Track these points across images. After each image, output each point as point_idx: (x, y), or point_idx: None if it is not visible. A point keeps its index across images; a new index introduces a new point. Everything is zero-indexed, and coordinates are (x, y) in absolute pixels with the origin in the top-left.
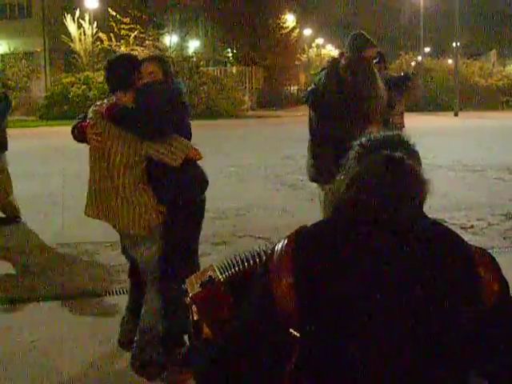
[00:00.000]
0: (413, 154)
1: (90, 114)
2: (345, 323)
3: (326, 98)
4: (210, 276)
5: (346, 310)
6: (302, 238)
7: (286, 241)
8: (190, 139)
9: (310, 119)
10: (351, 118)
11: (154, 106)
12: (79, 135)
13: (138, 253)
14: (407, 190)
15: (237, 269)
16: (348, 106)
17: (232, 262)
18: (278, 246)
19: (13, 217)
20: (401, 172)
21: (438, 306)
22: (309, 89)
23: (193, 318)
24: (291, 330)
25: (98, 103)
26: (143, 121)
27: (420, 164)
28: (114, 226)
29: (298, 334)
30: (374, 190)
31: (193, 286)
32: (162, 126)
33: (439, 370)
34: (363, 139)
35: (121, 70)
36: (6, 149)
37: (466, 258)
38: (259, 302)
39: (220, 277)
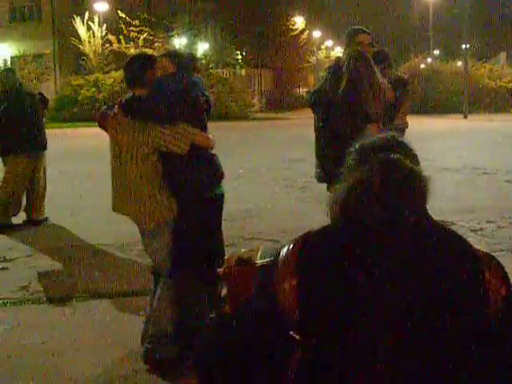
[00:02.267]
0: (409, 154)
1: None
2: (346, 330)
3: (327, 95)
4: (249, 257)
5: (347, 316)
6: (306, 243)
7: (291, 245)
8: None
9: (315, 120)
10: (351, 117)
11: (160, 92)
12: (102, 123)
13: (150, 247)
14: (407, 190)
15: (272, 258)
16: (348, 103)
17: (273, 251)
18: (284, 250)
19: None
20: (399, 173)
21: (444, 310)
22: (311, 90)
23: (220, 293)
24: (291, 333)
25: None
26: (149, 105)
27: (418, 163)
28: (134, 220)
29: (297, 337)
30: (374, 194)
31: (231, 261)
32: (167, 111)
33: (444, 373)
34: (358, 145)
35: (135, 68)
36: (45, 148)
37: (473, 261)
38: (262, 302)
39: (259, 261)
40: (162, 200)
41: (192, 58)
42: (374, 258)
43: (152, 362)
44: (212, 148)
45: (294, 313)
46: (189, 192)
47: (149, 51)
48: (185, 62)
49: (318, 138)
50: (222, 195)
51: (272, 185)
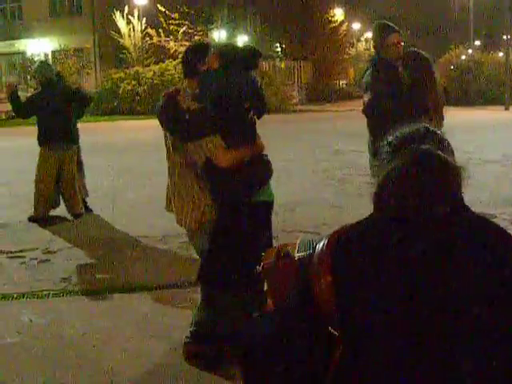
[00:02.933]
0: (442, 144)
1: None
2: (384, 325)
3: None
4: (287, 251)
5: (384, 310)
6: (341, 238)
7: (326, 241)
8: (250, 131)
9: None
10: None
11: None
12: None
13: (193, 246)
14: (440, 180)
15: (310, 251)
16: (415, 102)
17: (310, 244)
18: (319, 246)
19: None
20: (431, 163)
21: (483, 304)
22: (365, 99)
23: (263, 288)
24: (330, 329)
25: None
26: (172, 128)
27: (450, 153)
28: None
29: (336, 333)
30: (408, 185)
31: (270, 256)
32: (193, 130)
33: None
34: (390, 137)
35: (186, 58)
36: (76, 143)
37: (502, 247)
38: (300, 299)
39: (296, 255)
40: (204, 200)
41: (250, 53)
42: (409, 250)
43: (190, 355)
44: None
45: (332, 309)
46: (225, 196)
47: (187, 44)
48: (233, 58)
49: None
50: (264, 203)
51: (312, 177)
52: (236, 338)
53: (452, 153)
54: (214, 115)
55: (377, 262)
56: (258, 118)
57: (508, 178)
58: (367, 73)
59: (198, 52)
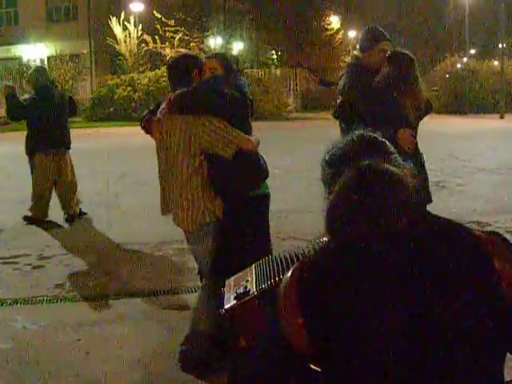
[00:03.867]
0: (381, 151)
1: (163, 105)
2: (363, 353)
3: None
4: (245, 287)
5: (360, 337)
6: (304, 275)
7: (289, 279)
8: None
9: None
10: (385, 119)
11: (215, 92)
12: (147, 128)
13: (194, 249)
14: (387, 195)
15: (269, 282)
16: (381, 104)
17: (266, 270)
18: (283, 285)
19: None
20: (373, 181)
21: (454, 307)
22: (337, 102)
23: (228, 326)
24: (312, 366)
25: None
26: (204, 101)
27: (390, 159)
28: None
29: (319, 369)
30: (356, 210)
31: (230, 292)
32: (221, 111)
33: (464, 370)
34: (327, 156)
35: (181, 68)
36: (69, 148)
37: (477, 251)
38: (275, 341)
39: (254, 290)
40: (206, 203)
41: (235, 60)
42: (375, 272)
43: (185, 361)
44: (253, 152)
45: (308, 349)
46: (233, 192)
47: (183, 51)
48: (232, 64)
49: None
50: (267, 195)
51: (307, 185)
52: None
53: (394, 157)
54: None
55: (350, 293)
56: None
57: (503, 187)
58: (343, 77)
59: (191, 61)
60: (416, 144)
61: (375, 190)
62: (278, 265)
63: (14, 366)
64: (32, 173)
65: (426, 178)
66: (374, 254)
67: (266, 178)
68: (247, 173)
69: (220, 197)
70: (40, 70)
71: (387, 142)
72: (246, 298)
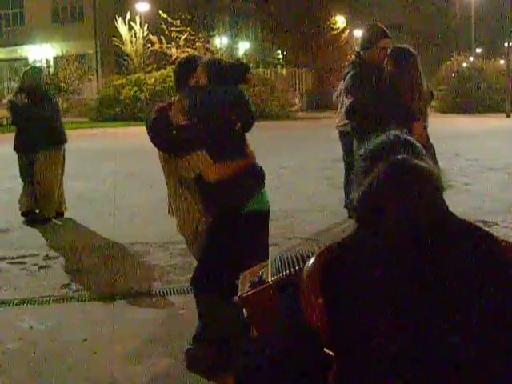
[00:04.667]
0: (416, 151)
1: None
2: (378, 341)
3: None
4: (260, 277)
5: (377, 325)
6: (329, 258)
7: (314, 260)
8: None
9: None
10: (400, 116)
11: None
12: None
13: (192, 252)
14: (419, 190)
15: (286, 272)
16: (390, 101)
17: (283, 263)
18: (308, 265)
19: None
20: (405, 174)
21: (474, 309)
22: (347, 102)
23: (243, 315)
24: (326, 350)
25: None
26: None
27: (424, 158)
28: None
29: (332, 353)
30: (387, 199)
31: (245, 283)
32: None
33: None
34: (362, 151)
35: (180, 72)
36: (65, 141)
37: (498, 257)
38: (291, 323)
39: (270, 279)
40: (198, 208)
41: (238, 68)
42: (400, 265)
43: (192, 361)
44: (215, 178)
45: (325, 330)
46: (215, 207)
47: (189, 51)
48: (220, 72)
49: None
50: (261, 212)
51: (314, 184)
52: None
53: (425, 157)
54: (202, 130)
55: (369, 280)
56: (247, 131)
57: (510, 186)
58: (349, 75)
59: (188, 66)
60: (427, 136)
61: (407, 182)
62: (294, 259)
63: (22, 365)
64: (21, 172)
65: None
66: (396, 247)
67: (252, 197)
68: (232, 190)
69: (206, 211)
70: (34, 69)
71: (420, 145)
72: (262, 287)
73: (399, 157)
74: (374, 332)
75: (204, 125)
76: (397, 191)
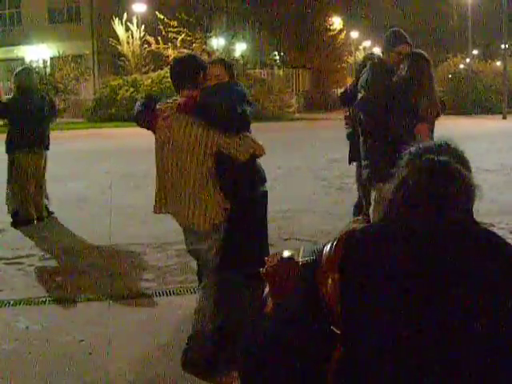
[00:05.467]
0: (461, 159)
1: (158, 107)
2: (385, 330)
3: (375, 94)
4: (291, 255)
5: (387, 318)
6: (351, 239)
7: (335, 241)
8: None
9: (360, 119)
10: (406, 115)
11: (231, 103)
12: (146, 123)
13: (203, 248)
14: (453, 192)
15: (314, 257)
16: (399, 101)
17: (313, 250)
18: (327, 246)
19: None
20: (446, 175)
21: (486, 312)
22: (359, 96)
23: (263, 291)
24: (333, 328)
25: (170, 100)
26: (223, 115)
27: (469, 170)
28: (180, 222)
29: (338, 332)
30: (420, 194)
31: (273, 260)
32: (239, 122)
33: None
34: (412, 148)
35: (188, 69)
36: (47, 149)
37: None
38: (304, 296)
39: (300, 259)
40: (218, 201)
41: (234, 65)
42: (417, 258)
43: (188, 361)
44: (262, 155)
45: (336, 306)
46: (239, 193)
47: (185, 52)
48: (235, 71)
49: (365, 137)
50: (266, 193)
51: (310, 185)
52: (237, 337)
53: (470, 170)
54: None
55: (384, 266)
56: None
57: (507, 187)
58: (365, 73)
59: (198, 64)
60: (433, 139)
61: (445, 180)
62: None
63: (17, 366)
64: (8, 172)
65: None
66: (417, 244)
67: (265, 180)
68: (252, 176)
69: (228, 198)
70: (25, 70)
71: (461, 150)
72: (291, 261)
73: (444, 158)
74: (379, 318)
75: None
76: (432, 188)
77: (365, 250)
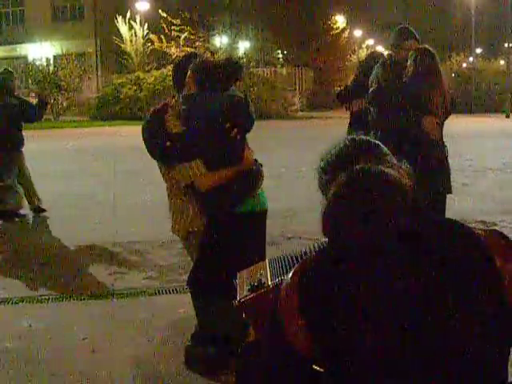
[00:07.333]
0: (376, 154)
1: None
2: (361, 347)
3: (385, 89)
4: (260, 280)
5: (363, 338)
6: (304, 276)
7: (290, 280)
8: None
9: (370, 114)
10: (413, 110)
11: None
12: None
13: (187, 252)
14: (382, 198)
15: (282, 277)
16: (413, 95)
17: (281, 264)
18: (284, 285)
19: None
20: (366, 185)
21: (455, 307)
22: (371, 89)
23: (242, 319)
24: (314, 366)
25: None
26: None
27: (386, 160)
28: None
29: (321, 370)
30: (351, 214)
31: (242, 285)
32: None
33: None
34: (321, 163)
35: (174, 72)
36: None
37: (477, 250)
38: (276, 342)
39: (269, 282)
40: (193, 211)
41: (230, 67)
42: (372, 276)
43: (191, 359)
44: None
45: (310, 350)
46: (214, 207)
47: (188, 50)
48: (210, 77)
49: (374, 132)
50: (257, 213)
51: (313, 184)
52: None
53: (387, 157)
54: (196, 139)
55: (344, 293)
56: (246, 133)
57: (509, 186)
58: (376, 68)
59: (184, 66)
60: (441, 136)
61: (368, 192)
62: (292, 260)
63: (20, 364)
64: None
65: (449, 170)
66: (371, 256)
67: (245, 198)
68: (231, 190)
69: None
70: (4, 74)
71: (381, 144)
72: (261, 291)
73: (358, 166)
74: (359, 347)
75: (198, 134)
76: (360, 201)
77: (322, 285)
